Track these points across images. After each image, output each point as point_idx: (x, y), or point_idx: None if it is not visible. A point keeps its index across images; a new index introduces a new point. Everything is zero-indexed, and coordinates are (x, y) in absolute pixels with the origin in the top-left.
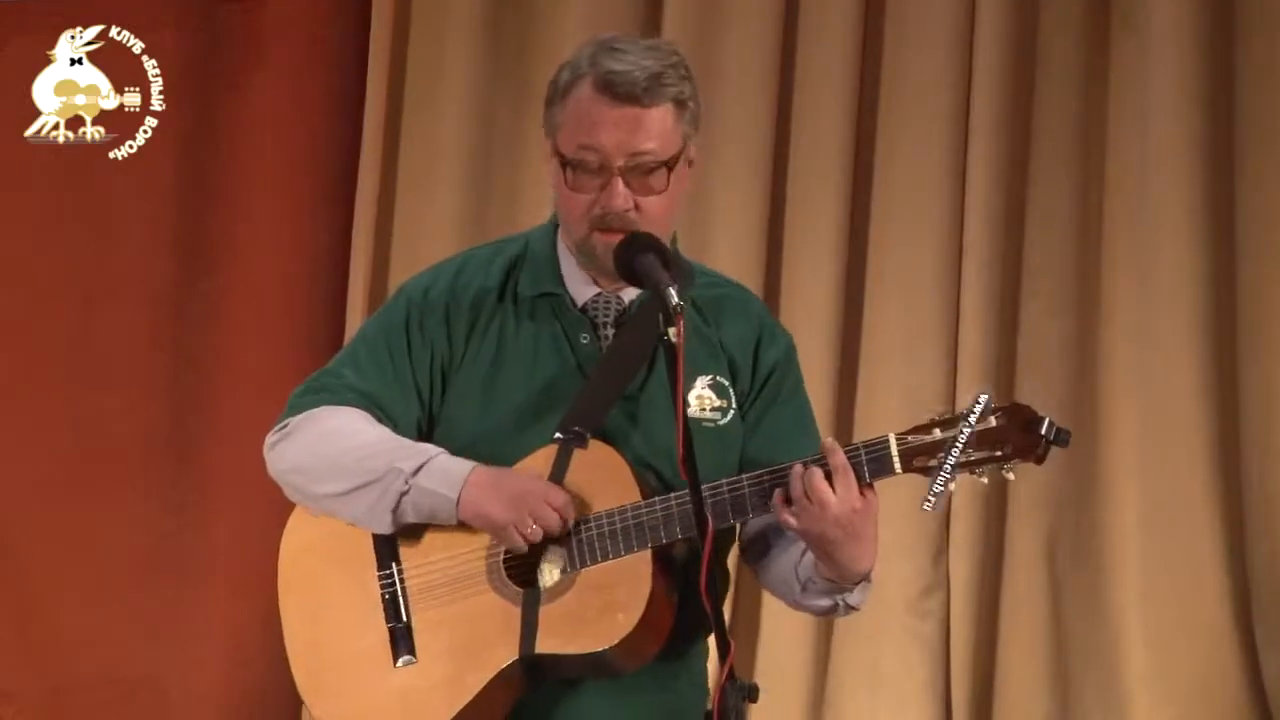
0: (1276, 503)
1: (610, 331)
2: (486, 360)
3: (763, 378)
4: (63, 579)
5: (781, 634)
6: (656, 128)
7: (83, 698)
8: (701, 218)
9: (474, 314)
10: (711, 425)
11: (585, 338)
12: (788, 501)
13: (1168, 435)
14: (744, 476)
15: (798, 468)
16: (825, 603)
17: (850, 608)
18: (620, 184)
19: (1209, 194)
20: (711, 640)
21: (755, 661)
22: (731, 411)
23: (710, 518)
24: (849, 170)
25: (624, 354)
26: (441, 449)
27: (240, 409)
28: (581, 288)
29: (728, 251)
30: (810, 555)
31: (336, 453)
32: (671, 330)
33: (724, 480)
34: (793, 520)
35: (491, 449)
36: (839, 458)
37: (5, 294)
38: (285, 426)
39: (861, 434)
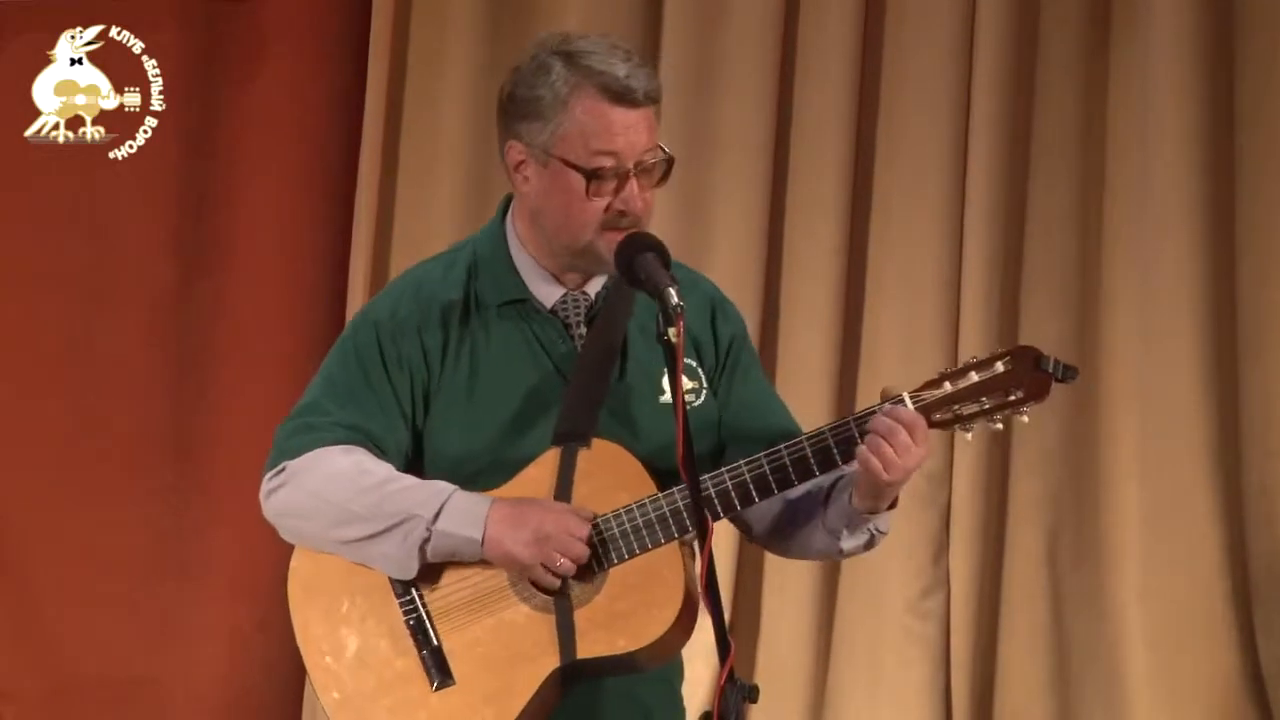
0: (1276, 502)
1: (582, 330)
2: (464, 374)
3: (724, 352)
4: (63, 579)
5: (781, 634)
6: (652, 125)
7: (83, 698)
8: (701, 218)
9: (445, 329)
10: (688, 407)
11: (559, 339)
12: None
13: (1168, 435)
14: (762, 455)
15: (876, 435)
16: (864, 537)
17: (882, 533)
18: (636, 185)
19: (1209, 193)
20: (711, 640)
21: (755, 661)
22: (704, 391)
23: (736, 501)
24: (849, 170)
25: (601, 350)
26: (455, 486)
27: (240, 409)
28: (545, 289)
29: (728, 251)
30: (839, 505)
31: (345, 497)
32: (671, 330)
33: (742, 460)
34: (884, 475)
35: (485, 463)
36: (911, 414)
37: (5, 294)
38: (282, 470)
39: None
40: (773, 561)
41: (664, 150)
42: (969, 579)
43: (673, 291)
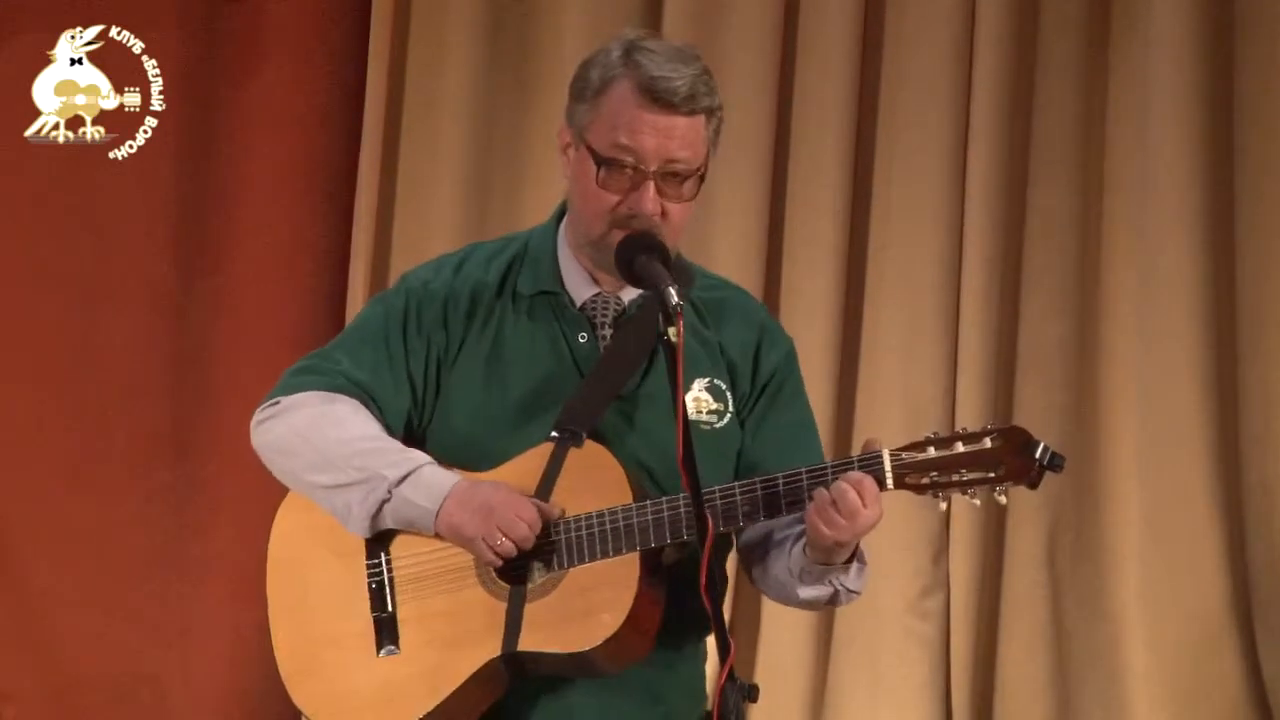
0: (1276, 501)
1: (608, 331)
2: (483, 356)
3: (763, 381)
4: (63, 579)
5: (781, 634)
6: (691, 137)
7: (83, 698)
8: (701, 217)
9: (472, 309)
10: (708, 428)
11: (583, 337)
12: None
13: (1168, 435)
14: (735, 485)
15: (824, 491)
16: (824, 590)
17: (851, 592)
18: (652, 188)
19: (1209, 193)
20: (712, 641)
21: (755, 661)
22: (729, 415)
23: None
24: (849, 170)
25: (622, 354)
26: (430, 459)
27: (240, 409)
28: (581, 287)
29: (728, 251)
30: (798, 548)
31: (324, 443)
32: (671, 330)
33: (716, 487)
34: (826, 530)
35: (485, 445)
36: (869, 483)
37: (5, 294)
38: (276, 404)
39: (861, 434)
40: None
41: (702, 166)
42: (969, 579)
43: (672, 291)
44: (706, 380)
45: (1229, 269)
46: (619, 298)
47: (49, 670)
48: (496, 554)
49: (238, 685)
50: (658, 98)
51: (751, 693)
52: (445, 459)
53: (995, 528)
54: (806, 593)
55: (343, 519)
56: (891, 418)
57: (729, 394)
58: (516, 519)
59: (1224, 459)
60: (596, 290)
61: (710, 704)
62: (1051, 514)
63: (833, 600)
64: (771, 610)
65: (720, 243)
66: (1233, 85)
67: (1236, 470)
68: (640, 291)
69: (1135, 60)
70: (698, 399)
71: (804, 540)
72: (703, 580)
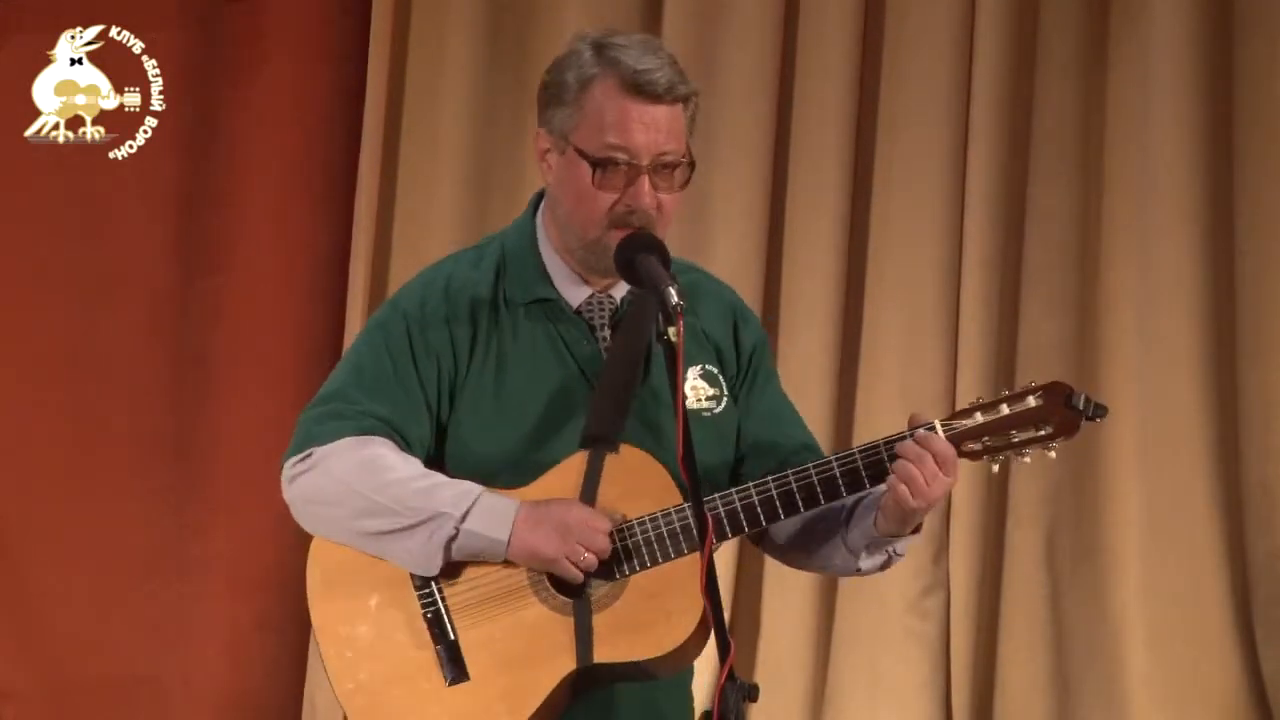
0: (1276, 501)
1: (606, 332)
2: (490, 371)
3: (746, 360)
4: (63, 579)
5: (781, 634)
6: (676, 126)
7: (83, 698)
8: (701, 217)
9: (473, 324)
10: (709, 415)
11: (583, 340)
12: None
13: (1168, 435)
14: (790, 472)
15: (906, 463)
16: (882, 558)
17: (899, 555)
18: (647, 182)
19: (1209, 193)
20: (711, 640)
21: (755, 661)
22: (725, 399)
23: (762, 516)
24: (849, 170)
25: (626, 354)
26: (483, 487)
27: (240, 409)
28: (572, 289)
29: (727, 251)
30: (862, 526)
31: (372, 488)
32: (672, 330)
33: (769, 478)
34: (912, 501)
35: (509, 462)
36: (943, 443)
37: (5, 293)
38: (309, 455)
39: (862, 434)
40: (773, 561)
41: (688, 154)
42: (969, 578)
43: (672, 291)
44: (699, 367)
45: (1229, 269)
46: (611, 296)
47: (49, 670)
48: (580, 569)
49: (238, 685)
50: (642, 89)
51: (751, 693)
52: (465, 477)
53: (995, 528)
54: (868, 563)
55: (401, 562)
56: (891, 418)
57: (721, 377)
58: (594, 530)
59: (1224, 459)
60: (590, 291)
61: (710, 704)
62: (1051, 514)
63: (885, 565)
64: (771, 610)
65: (720, 243)
66: (1233, 85)
67: (1236, 470)
68: (630, 290)
69: (1135, 60)
70: (695, 387)
71: (868, 519)
72: (702, 580)
